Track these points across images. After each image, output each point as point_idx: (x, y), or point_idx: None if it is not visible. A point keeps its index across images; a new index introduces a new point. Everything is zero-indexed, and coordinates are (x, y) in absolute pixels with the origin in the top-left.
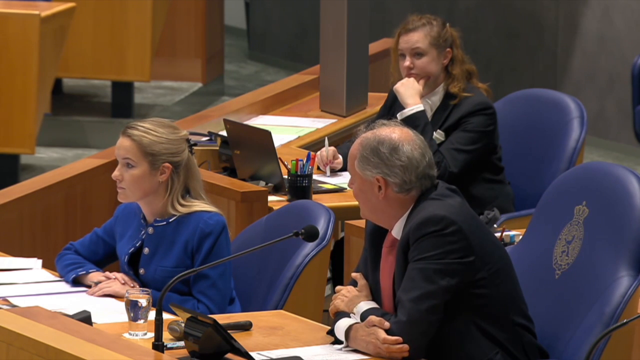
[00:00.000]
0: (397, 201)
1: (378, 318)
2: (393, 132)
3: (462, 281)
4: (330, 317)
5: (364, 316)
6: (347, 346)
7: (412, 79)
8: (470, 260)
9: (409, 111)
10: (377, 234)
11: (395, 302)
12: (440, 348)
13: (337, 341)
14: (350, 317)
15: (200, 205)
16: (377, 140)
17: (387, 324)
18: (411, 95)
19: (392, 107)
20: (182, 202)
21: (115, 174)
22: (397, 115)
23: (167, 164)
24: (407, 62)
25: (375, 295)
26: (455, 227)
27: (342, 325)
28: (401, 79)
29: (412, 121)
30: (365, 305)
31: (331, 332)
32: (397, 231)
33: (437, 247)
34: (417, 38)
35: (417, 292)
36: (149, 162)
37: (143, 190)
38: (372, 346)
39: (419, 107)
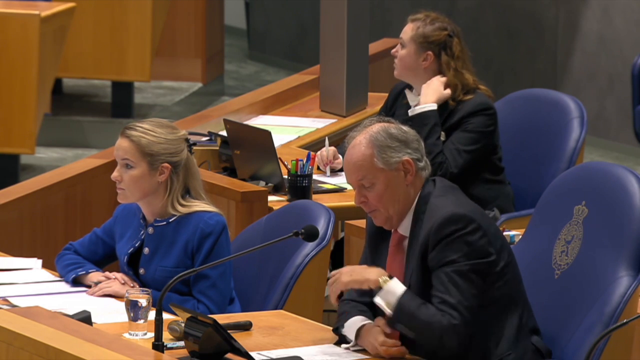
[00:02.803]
0: (416, 184)
1: (382, 321)
2: (382, 123)
3: (488, 276)
4: (329, 318)
5: (402, 298)
6: (355, 344)
7: (437, 79)
8: (493, 257)
9: (420, 108)
10: (378, 234)
11: (434, 301)
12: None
13: (340, 340)
14: (360, 312)
15: (200, 205)
16: (383, 129)
17: (387, 329)
18: (428, 94)
19: (392, 106)
20: (182, 202)
21: (115, 175)
22: (409, 112)
23: (166, 164)
24: (394, 49)
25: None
26: (475, 224)
27: (353, 323)
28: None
29: (422, 119)
30: (399, 286)
31: (335, 331)
32: (404, 228)
33: (464, 247)
34: (406, 29)
35: (464, 294)
36: (148, 163)
37: (143, 190)
38: (371, 346)
39: (432, 106)
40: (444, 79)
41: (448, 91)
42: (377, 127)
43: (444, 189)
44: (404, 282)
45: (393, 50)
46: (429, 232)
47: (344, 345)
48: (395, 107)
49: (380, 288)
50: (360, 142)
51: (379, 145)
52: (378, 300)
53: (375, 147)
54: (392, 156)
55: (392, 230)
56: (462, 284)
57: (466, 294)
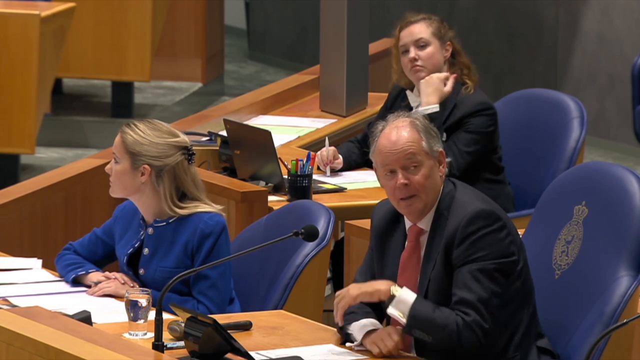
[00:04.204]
0: (442, 180)
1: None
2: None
3: (510, 276)
4: (330, 317)
5: (415, 304)
6: (360, 345)
7: (435, 76)
8: (515, 257)
9: (424, 110)
10: (385, 231)
11: (452, 300)
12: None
13: (345, 339)
14: (366, 314)
15: (200, 206)
16: (420, 119)
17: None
18: (429, 93)
19: (392, 106)
20: (180, 204)
21: (107, 167)
22: (411, 113)
23: (146, 166)
24: (411, 54)
25: None
26: (502, 222)
27: (362, 326)
28: (402, 80)
29: None
30: (411, 294)
31: (340, 329)
32: (425, 223)
33: (491, 244)
34: (420, 29)
35: (486, 292)
36: (130, 160)
37: (124, 186)
38: (380, 344)
39: (435, 107)
40: (443, 75)
41: (449, 88)
42: (413, 117)
43: (465, 187)
44: (422, 277)
45: (412, 56)
46: (457, 227)
47: (348, 344)
48: (395, 109)
49: (391, 298)
50: (404, 126)
51: (425, 130)
52: (391, 310)
53: (422, 132)
54: (435, 144)
55: (408, 226)
56: (484, 281)
57: (487, 292)
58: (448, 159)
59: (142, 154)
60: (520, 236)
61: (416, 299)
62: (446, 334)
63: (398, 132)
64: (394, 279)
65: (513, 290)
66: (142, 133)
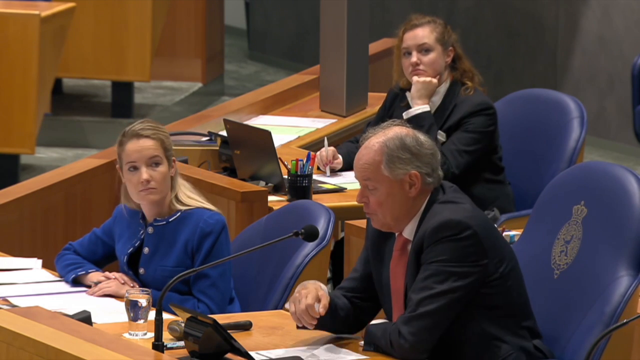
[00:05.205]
0: (421, 197)
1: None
2: (400, 129)
3: (474, 282)
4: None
5: (369, 327)
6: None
7: (435, 80)
8: (483, 263)
9: (414, 111)
10: (380, 236)
11: (406, 302)
12: (452, 352)
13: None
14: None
15: (199, 201)
16: (398, 138)
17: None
18: (421, 95)
19: (391, 107)
20: (188, 194)
21: (145, 177)
22: (403, 115)
23: (174, 158)
24: (413, 58)
25: (380, 293)
26: (471, 231)
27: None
28: (402, 80)
29: (417, 121)
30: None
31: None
32: (408, 232)
33: (452, 251)
34: (424, 34)
35: (428, 292)
36: (167, 159)
37: (168, 186)
38: (292, 306)
39: (425, 107)
40: (436, 81)
41: (435, 82)
42: (392, 133)
43: (456, 192)
44: (404, 284)
45: (414, 60)
46: (424, 235)
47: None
48: (393, 109)
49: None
50: (372, 145)
51: (389, 153)
52: (361, 343)
53: (385, 154)
54: (400, 167)
55: (397, 233)
56: (432, 284)
57: (433, 293)
58: (430, 181)
59: (171, 148)
60: (519, 236)
61: (371, 324)
62: (383, 343)
63: (364, 151)
64: (389, 286)
65: (496, 297)
66: (164, 130)
